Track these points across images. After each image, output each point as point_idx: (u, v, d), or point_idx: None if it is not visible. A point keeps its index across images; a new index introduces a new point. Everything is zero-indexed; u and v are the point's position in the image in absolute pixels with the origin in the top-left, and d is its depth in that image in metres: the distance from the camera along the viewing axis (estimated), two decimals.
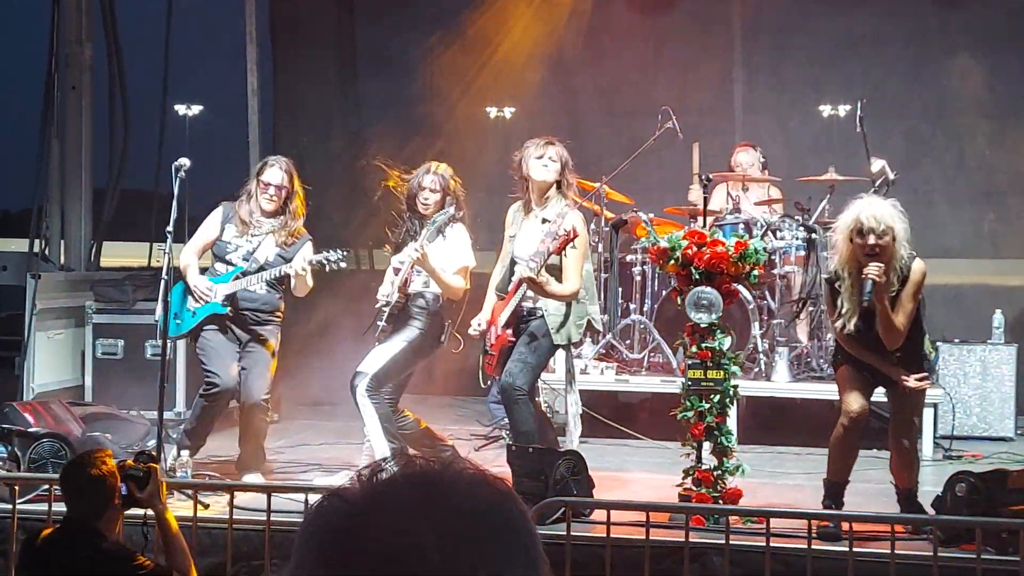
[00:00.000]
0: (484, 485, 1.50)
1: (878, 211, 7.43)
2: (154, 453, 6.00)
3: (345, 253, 8.90)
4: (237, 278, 8.87)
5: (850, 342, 7.64)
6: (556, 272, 8.07)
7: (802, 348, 10.96)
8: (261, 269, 8.88)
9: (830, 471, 7.83)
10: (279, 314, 9.07)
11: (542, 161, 8.28)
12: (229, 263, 8.95)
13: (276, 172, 8.94)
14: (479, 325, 8.47)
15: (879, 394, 7.90)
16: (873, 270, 7.31)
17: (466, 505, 1.46)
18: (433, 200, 8.66)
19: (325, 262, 8.77)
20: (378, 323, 8.68)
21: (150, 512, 5.83)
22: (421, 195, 8.68)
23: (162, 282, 8.58)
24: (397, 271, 8.72)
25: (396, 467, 1.52)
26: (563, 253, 8.01)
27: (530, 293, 8.20)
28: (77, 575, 5.20)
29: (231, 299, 8.86)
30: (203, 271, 9.08)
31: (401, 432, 8.74)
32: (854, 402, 7.61)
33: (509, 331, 8.30)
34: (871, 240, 7.35)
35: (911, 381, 7.51)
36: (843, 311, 7.57)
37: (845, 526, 6.85)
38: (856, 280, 7.47)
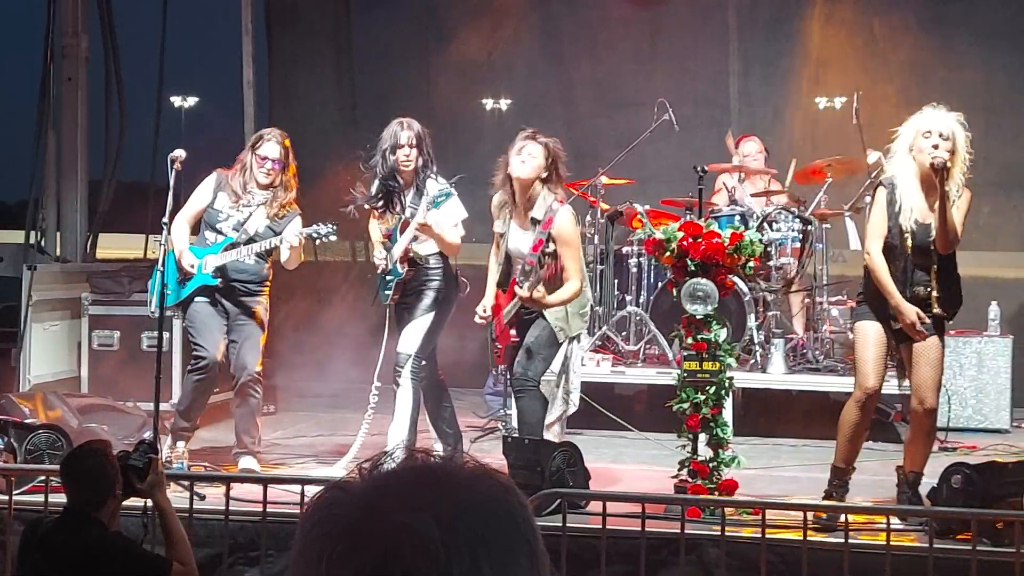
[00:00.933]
0: (485, 478, 1.51)
1: (944, 117, 7.47)
2: (153, 444, 5.99)
3: (335, 226, 8.86)
4: (227, 249, 8.86)
5: (880, 270, 7.48)
6: (556, 281, 8.07)
7: (798, 340, 10.97)
8: (251, 240, 8.86)
9: (839, 456, 7.76)
10: (267, 284, 9.07)
11: (520, 157, 8.16)
12: (219, 232, 8.93)
13: (273, 146, 8.93)
14: (484, 311, 8.45)
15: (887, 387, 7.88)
16: (941, 156, 7.29)
17: (468, 498, 1.47)
18: (414, 155, 8.62)
19: (316, 235, 8.79)
20: (385, 292, 8.68)
21: (150, 502, 5.84)
22: (400, 152, 8.60)
23: (157, 273, 8.58)
24: (388, 236, 8.70)
25: (398, 460, 1.52)
26: (554, 251, 8.01)
27: None
28: (78, 565, 5.21)
29: (221, 270, 8.85)
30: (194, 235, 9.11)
31: (442, 413, 8.84)
32: (872, 375, 7.53)
33: (512, 331, 8.28)
34: (935, 140, 7.35)
35: (920, 325, 7.41)
36: (897, 211, 7.47)
37: (840, 517, 6.85)
38: (916, 178, 7.45)
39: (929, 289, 7.48)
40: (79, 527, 5.30)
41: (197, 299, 8.91)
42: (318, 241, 8.94)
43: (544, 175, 8.17)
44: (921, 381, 7.55)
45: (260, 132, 9.26)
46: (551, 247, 8.01)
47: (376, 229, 8.93)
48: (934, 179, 7.35)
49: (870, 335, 7.61)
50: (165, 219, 8.70)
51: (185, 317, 9.14)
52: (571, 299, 8.11)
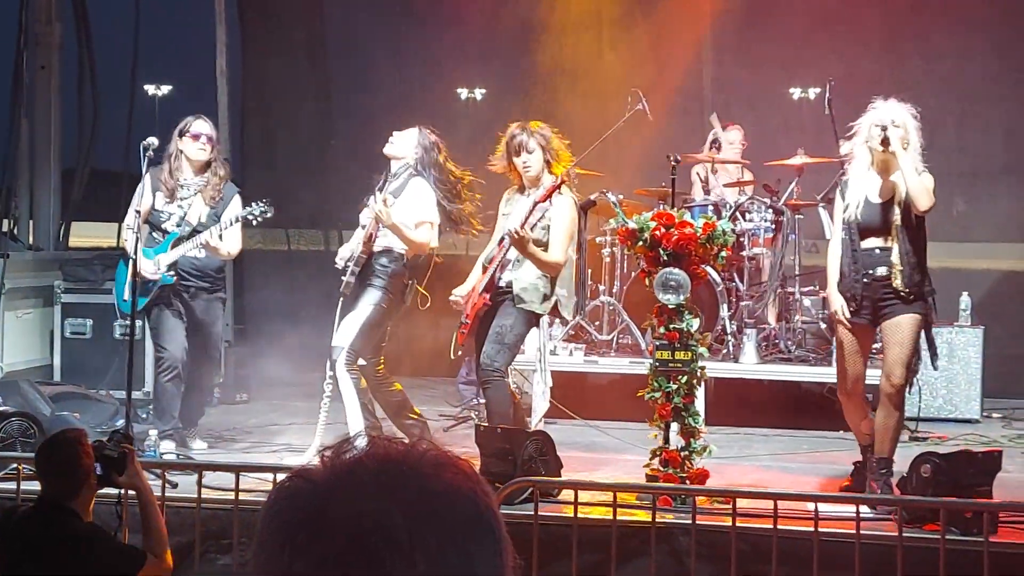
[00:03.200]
0: (448, 467, 1.51)
1: (896, 107, 7.71)
2: (128, 433, 5.96)
3: (267, 203, 8.80)
4: (174, 245, 8.85)
5: (829, 262, 7.85)
6: (542, 247, 8.13)
7: (770, 330, 10.99)
8: (195, 232, 8.87)
9: (860, 442, 8.08)
10: (223, 273, 9.24)
11: (522, 160, 8.33)
12: (164, 231, 8.93)
13: (202, 123, 9.01)
14: (459, 297, 8.47)
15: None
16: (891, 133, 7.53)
17: (430, 485, 1.47)
18: (397, 152, 8.72)
19: (251, 216, 8.79)
20: (342, 278, 8.68)
21: (126, 492, 5.81)
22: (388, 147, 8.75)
23: (131, 261, 8.57)
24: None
25: (361, 447, 1.52)
26: (548, 225, 8.08)
27: (512, 266, 8.24)
28: (53, 556, 5.18)
29: (174, 267, 8.86)
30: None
31: (388, 399, 8.77)
32: (850, 381, 7.86)
33: (487, 296, 8.32)
34: (887, 126, 7.54)
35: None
36: (851, 199, 7.73)
37: (810, 506, 6.88)
38: (872, 167, 7.72)
39: (889, 270, 7.62)
40: (54, 517, 5.27)
41: (158, 301, 8.93)
42: (254, 221, 8.91)
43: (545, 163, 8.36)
44: (889, 359, 7.71)
45: (183, 120, 9.17)
46: (548, 220, 8.14)
47: (360, 219, 8.95)
48: (889, 161, 7.60)
49: (845, 343, 7.85)
50: (138, 207, 8.69)
51: (149, 320, 9.16)
52: (550, 266, 8.19)
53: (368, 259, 8.63)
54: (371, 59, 14.00)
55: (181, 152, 8.94)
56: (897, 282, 7.58)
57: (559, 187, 8.04)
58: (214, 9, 12.81)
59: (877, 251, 7.66)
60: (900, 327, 7.63)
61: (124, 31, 13.53)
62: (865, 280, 7.65)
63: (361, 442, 1.53)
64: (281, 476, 5.20)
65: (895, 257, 7.61)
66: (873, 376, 8.22)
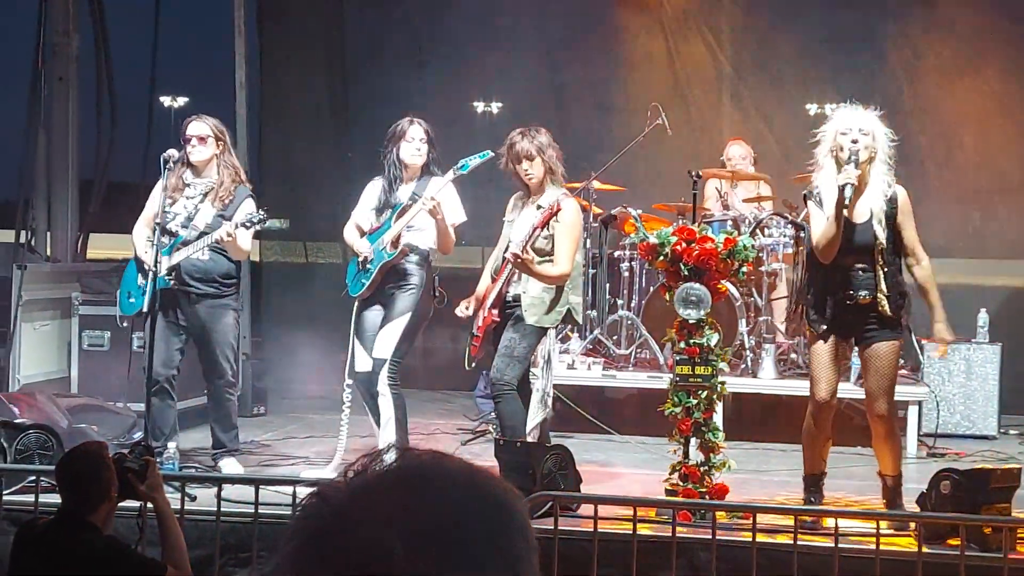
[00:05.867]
0: (469, 487, 1.51)
1: (862, 113, 7.45)
2: (149, 447, 5.93)
3: (265, 212, 8.65)
4: (178, 248, 8.67)
5: (828, 255, 7.42)
6: (547, 257, 8.14)
7: (785, 346, 10.96)
8: (202, 235, 8.68)
9: (806, 465, 7.83)
10: (233, 280, 8.91)
11: (523, 167, 8.34)
12: (171, 233, 8.70)
13: (198, 124, 8.81)
14: (467, 308, 8.48)
15: (856, 391, 7.91)
16: (846, 176, 7.22)
17: (442, 507, 1.47)
18: (425, 149, 8.66)
19: (249, 223, 8.56)
20: (361, 282, 8.60)
21: (145, 504, 5.80)
22: (412, 146, 8.64)
23: (150, 273, 8.54)
24: (375, 230, 8.66)
25: (387, 462, 1.52)
26: (552, 235, 8.09)
27: (518, 279, 8.25)
28: (72, 569, 5.17)
29: (174, 270, 8.65)
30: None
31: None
32: (823, 388, 7.53)
33: (495, 311, 8.32)
34: (855, 135, 7.31)
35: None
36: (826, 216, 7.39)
37: (831, 522, 6.87)
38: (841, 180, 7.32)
39: (874, 294, 7.40)
40: (73, 531, 5.26)
41: (158, 307, 8.64)
42: (252, 229, 8.72)
43: (546, 170, 8.35)
44: (870, 389, 7.62)
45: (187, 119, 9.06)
46: (551, 230, 8.12)
47: (353, 231, 8.88)
48: (864, 174, 7.35)
49: (819, 351, 7.61)
50: (157, 220, 8.64)
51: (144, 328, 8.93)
52: (556, 279, 8.18)
53: (401, 259, 8.55)
54: (389, 72, 14.02)
55: (181, 158, 8.79)
56: (884, 307, 7.38)
57: (556, 214, 8.01)
58: (233, 21, 12.83)
59: (860, 272, 7.41)
60: (880, 356, 7.50)
61: (142, 43, 13.55)
62: (848, 302, 7.43)
63: (389, 456, 1.53)
64: (301, 489, 5.22)
65: (880, 281, 7.37)
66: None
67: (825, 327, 7.52)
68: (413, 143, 8.63)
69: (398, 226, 8.47)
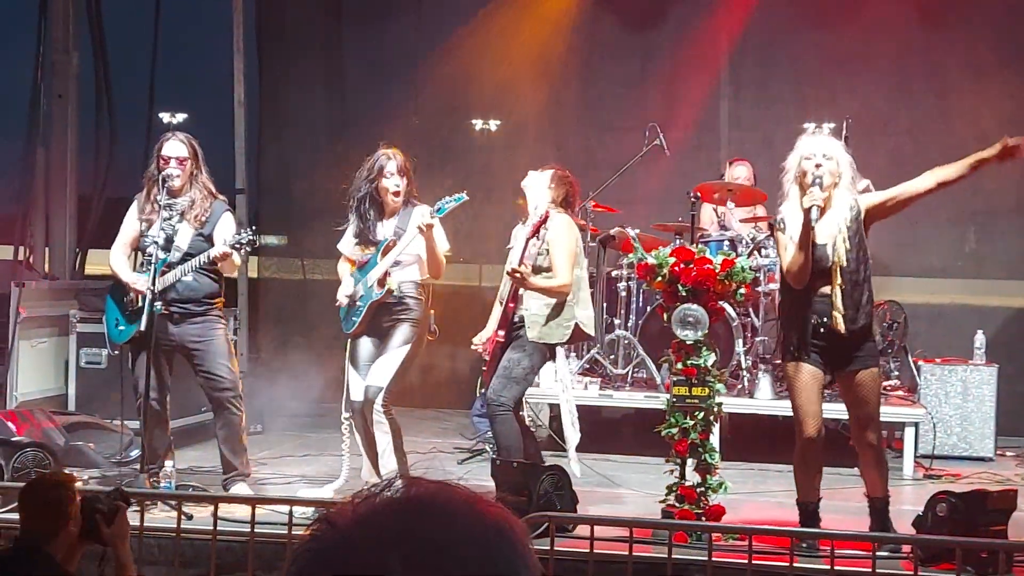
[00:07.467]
0: (471, 513, 1.51)
1: (824, 139, 7.61)
2: (125, 494, 5.72)
3: (254, 231, 8.52)
4: (163, 272, 8.54)
5: (799, 280, 7.40)
6: (547, 273, 8.18)
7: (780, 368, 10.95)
8: (187, 255, 8.57)
9: (800, 491, 7.82)
10: (217, 299, 8.79)
11: (531, 204, 8.48)
12: (152, 256, 8.57)
13: (175, 144, 8.64)
14: (481, 342, 8.50)
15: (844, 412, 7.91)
16: (812, 198, 7.25)
17: (443, 532, 1.47)
18: (403, 185, 8.49)
19: (237, 245, 8.44)
20: (352, 319, 8.56)
21: (106, 550, 5.60)
22: (390, 181, 8.46)
23: (148, 292, 8.49)
24: (362, 265, 8.61)
25: (393, 490, 1.53)
26: (548, 250, 8.13)
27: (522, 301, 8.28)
28: None
29: (161, 295, 8.52)
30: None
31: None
32: (811, 425, 7.50)
33: (501, 332, 8.35)
34: (819, 160, 7.35)
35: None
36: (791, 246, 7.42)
37: (827, 544, 6.87)
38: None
39: (827, 318, 7.38)
40: (28, 560, 5.11)
41: (145, 333, 8.52)
42: (241, 251, 8.64)
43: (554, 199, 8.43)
44: (857, 419, 7.64)
45: (161, 136, 8.90)
46: (546, 243, 8.18)
47: (344, 268, 8.85)
48: (828, 199, 7.34)
49: (800, 375, 7.54)
50: (156, 237, 8.61)
51: (130, 351, 8.84)
52: (554, 291, 8.23)
53: (390, 297, 8.45)
54: (387, 90, 14.04)
55: (156, 177, 8.65)
56: (839, 324, 7.33)
57: (544, 222, 8.06)
58: (232, 39, 12.86)
59: (828, 297, 7.40)
60: (864, 384, 7.50)
61: (141, 60, 13.58)
62: (822, 330, 7.41)
63: (398, 484, 1.54)
64: (297, 508, 5.16)
65: (836, 299, 7.34)
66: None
67: (805, 355, 7.50)
68: (392, 178, 8.48)
69: (384, 264, 8.37)
